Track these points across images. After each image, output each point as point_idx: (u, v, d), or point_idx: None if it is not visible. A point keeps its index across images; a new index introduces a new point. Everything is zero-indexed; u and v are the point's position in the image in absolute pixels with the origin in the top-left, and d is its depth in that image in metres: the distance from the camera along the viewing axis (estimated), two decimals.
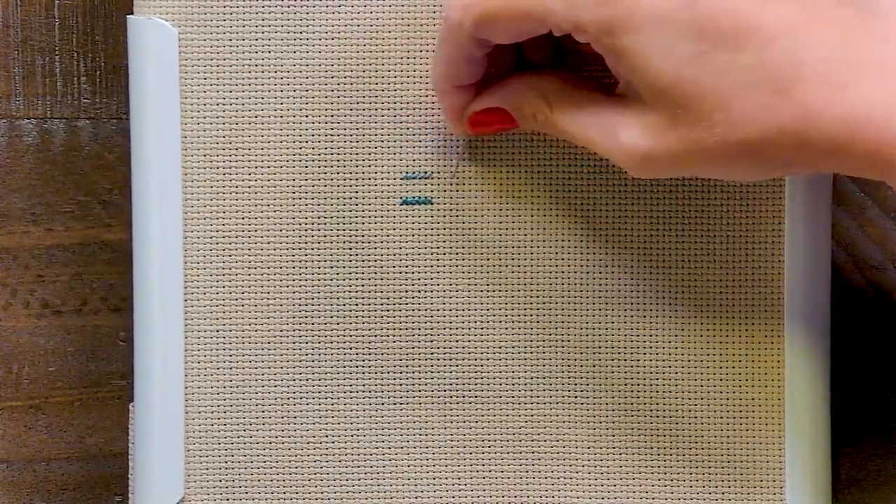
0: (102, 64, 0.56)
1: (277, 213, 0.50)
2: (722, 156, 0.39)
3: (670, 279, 0.50)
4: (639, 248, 0.50)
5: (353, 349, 0.50)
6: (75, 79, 0.56)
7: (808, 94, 0.37)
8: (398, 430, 0.50)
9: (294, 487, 0.50)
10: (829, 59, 0.37)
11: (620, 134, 0.42)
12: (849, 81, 0.37)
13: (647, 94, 0.40)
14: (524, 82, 0.46)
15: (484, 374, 0.50)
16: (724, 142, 0.39)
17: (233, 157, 0.50)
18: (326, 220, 0.50)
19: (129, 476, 0.51)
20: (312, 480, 0.50)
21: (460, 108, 0.47)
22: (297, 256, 0.50)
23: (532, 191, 0.50)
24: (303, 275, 0.50)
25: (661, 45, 0.39)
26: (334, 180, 0.50)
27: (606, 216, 0.50)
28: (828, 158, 0.38)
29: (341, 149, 0.50)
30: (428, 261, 0.50)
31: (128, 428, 0.55)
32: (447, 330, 0.50)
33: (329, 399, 0.50)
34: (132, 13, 0.50)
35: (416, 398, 0.50)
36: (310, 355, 0.50)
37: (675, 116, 0.40)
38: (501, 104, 0.46)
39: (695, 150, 0.40)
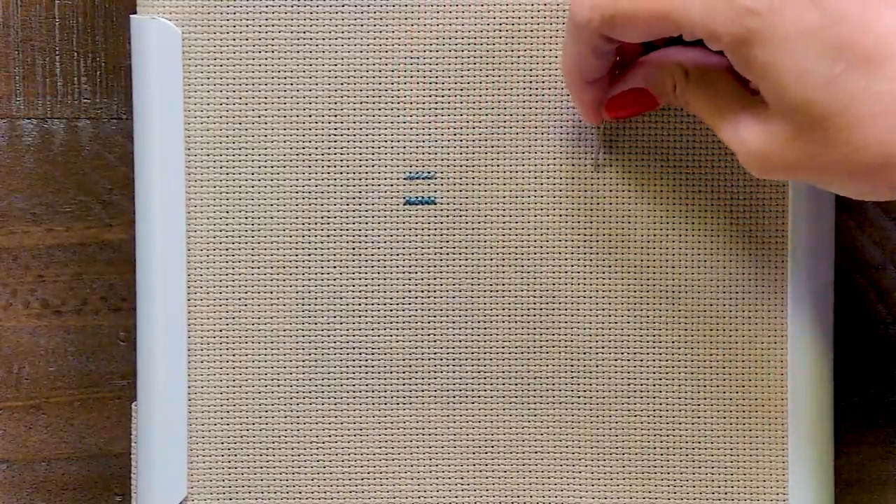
0: (103, 64, 0.56)
1: (280, 212, 0.50)
2: (841, 172, 0.39)
3: (673, 279, 0.50)
4: (641, 248, 0.50)
5: (356, 348, 0.50)
6: (75, 79, 0.56)
7: None
8: (401, 429, 0.50)
9: (297, 487, 0.50)
10: None
11: (742, 130, 0.41)
12: None
13: (774, 104, 0.40)
14: (662, 57, 0.45)
15: (486, 374, 0.50)
16: (845, 161, 0.39)
17: (236, 156, 0.50)
18: (329, 219, 0.50)
19: (132, 476, 0.51)
20: (315, 480, 0.50)
21: (593, 102, 0.47)
22: (300, 256, 0.50)
23: (535, 191, 0.50)
24: (306, 274, 0.50)
25: (797, 62, 0.38)
26: (338, 180, 0.50)
27: (609, 217, 0.50)
28: None
29: (345, 148, 0.50)
30: (431, 260, 0.50)
31: (128, 427, 0.55)
32: (450, 329, 0.50)
33: (332, 398, 0.50)
34: (134, 13, 0.49)
35: (419, 397, 0.50)
36: (313, 354, 0.50)
37: (801, 130, 0.39)
38: (643, 84, 0.46)
39: (814, 164, 0.40)
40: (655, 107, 0.46)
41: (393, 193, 0.50)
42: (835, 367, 0.51)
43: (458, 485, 0.50)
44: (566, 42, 0.45)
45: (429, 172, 0.50)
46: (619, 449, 0.50)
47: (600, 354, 0.50)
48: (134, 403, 0.51)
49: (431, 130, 0.49)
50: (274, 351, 0.50)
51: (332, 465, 0.50)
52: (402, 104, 0.49)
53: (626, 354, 0.50)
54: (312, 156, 0.50)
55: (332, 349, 0.50)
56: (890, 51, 0.37)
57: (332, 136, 0.50)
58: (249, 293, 0.50)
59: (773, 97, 0.40)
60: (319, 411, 0.50)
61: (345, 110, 0.49)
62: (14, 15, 0.55)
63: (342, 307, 0.50)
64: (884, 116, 0.38)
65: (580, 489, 0.50)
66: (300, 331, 0.50)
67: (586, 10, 0.42)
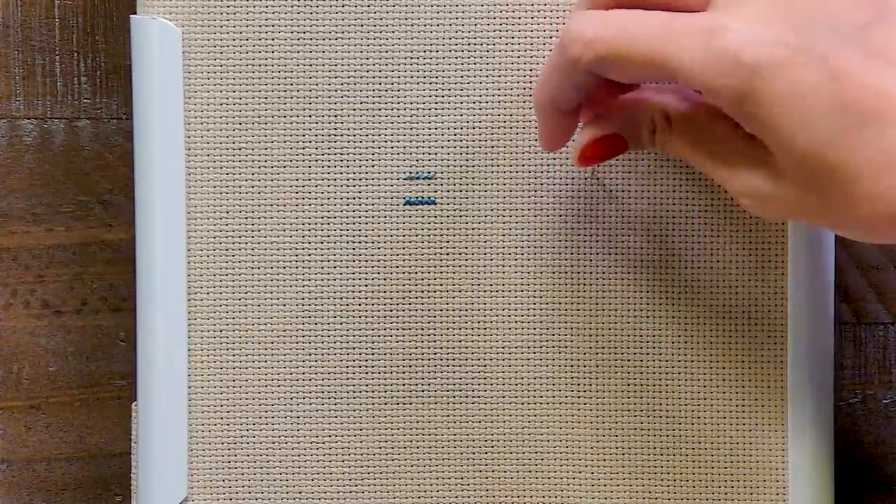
0: (103, 64, 0.56)
1: (281, 212, 0.50)
2: (849, 222, 0.39)
3: (673, 279, 0.50)
4: (642, 248, 0.50)
5: (356, 349, 0.50)
6: (75, 79, 0.56)
7: None
8: (401, 429, 0.50)
9: (297, 487, 0.50)
10: None
11: (741, 177, 0.41)
12: None
13: (780, 156, 0.39)
14: (641, 100, 0.44)
15: (487, 375, 0.50)
16: (853, 212, 0.39)
17: (236, 156, 0.50)
18: (329, 219, 0.50)
19: (132, 476, 0.51)
20: (315, 480, 0.50)
21: (557, 130, 0.45)
22: (300, 256, 0.50)
23: (535, 191, 0.50)
24: (306, 274, 0.50)
25: (800, 119, 0.38)
26: (338, 180, 0.50)
27: (610, 217, 0.50)
28: None
29: (345, 149, 0.50)
30: (431, 261, 0.50)
31: (128, 427, 0.55)
32: (450, 330, 0.50)
33: (332, 399, 0.50)
34: (134, 13, 0.50)
35: (419, 398, 0.50)
36: (313, 355, 0.50)
37: (807, 181, 0.39)
38: (618, 130, 0.45)
39: (820, 212, 0.40)
40: (625, 151, 0.45)
41: (393, 193, 0.50)
42: (835, 367, 0.51)
43: (459, 485, 0.50)
44: (547, 71, 0.43)
45: (429, 172, 0.50)
46: (620, 450, 0.50)
47: (600, 355, 0.50)
48: (134, 403, 0.51)
49: (431, 130, 0.49)
50: (274, 351, 0.50)
51: (332, 465, 0.50)
52: (402, 104, 0.49)
53: (626, 354, 0.50)
54: (312, 155, 0.50)
55: (332, 349, 0.50)
56: (892, 107, 0.37)
57: (332, 136, 0.50)
58: (249, 293, 0.50)
59: (778, 150, 0.39)
60: (320, 411, 0.50)
61: (345, 110, 0.49)
62: (14, 15, 0.55)
63: (342, 307, 0.50)
64: (888, 171, 0.37)
65: (580, 489, 0.50)
66: (300, 330, 0.50)
67: (579, 46, 0.41)
